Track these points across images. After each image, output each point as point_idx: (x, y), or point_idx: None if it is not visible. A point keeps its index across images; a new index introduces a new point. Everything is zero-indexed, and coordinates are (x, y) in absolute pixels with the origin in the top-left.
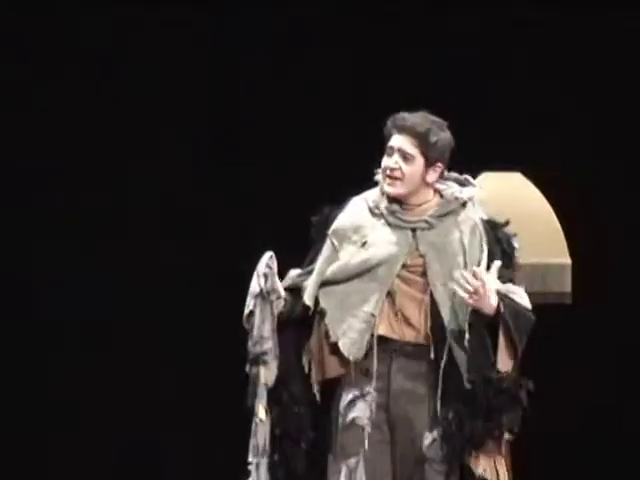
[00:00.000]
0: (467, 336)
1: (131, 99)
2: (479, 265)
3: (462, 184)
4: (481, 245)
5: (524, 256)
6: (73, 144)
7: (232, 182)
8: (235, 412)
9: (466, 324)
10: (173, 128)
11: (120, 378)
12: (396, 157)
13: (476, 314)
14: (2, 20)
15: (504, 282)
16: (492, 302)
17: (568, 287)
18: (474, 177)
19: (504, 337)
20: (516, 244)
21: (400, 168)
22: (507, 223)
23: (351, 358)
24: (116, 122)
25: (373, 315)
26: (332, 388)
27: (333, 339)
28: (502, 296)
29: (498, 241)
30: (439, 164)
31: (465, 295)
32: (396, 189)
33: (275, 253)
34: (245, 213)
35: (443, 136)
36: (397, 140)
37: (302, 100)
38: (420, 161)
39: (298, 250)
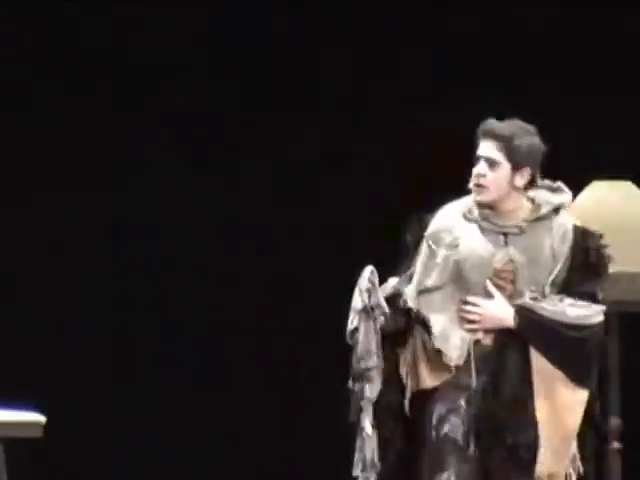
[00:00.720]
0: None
1: (131, 102)
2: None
3: (554, 191)
4: (566, 252)
5: (631, 264)
6: (73, 143)
7: (228, 183)
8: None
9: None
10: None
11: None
12: (482, 164)
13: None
14: (2, 20)
15: (580, 293)
16: (504, 318)
17: None
18: (584, 186)
19: (532, 348)
20: (606, 256)
21: (486, 175)
22: (601, 235)
23: (453, 364)
24: (117, 121)
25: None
26: (419, 401)
27: (437, 345)
28: (526, 310)
29: (586, 251)
30: (527, 168)
31: (465, 324)
32: (484, 196)
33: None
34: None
35: (529, 140)
36: (483, 147)
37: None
38: (506, 166)
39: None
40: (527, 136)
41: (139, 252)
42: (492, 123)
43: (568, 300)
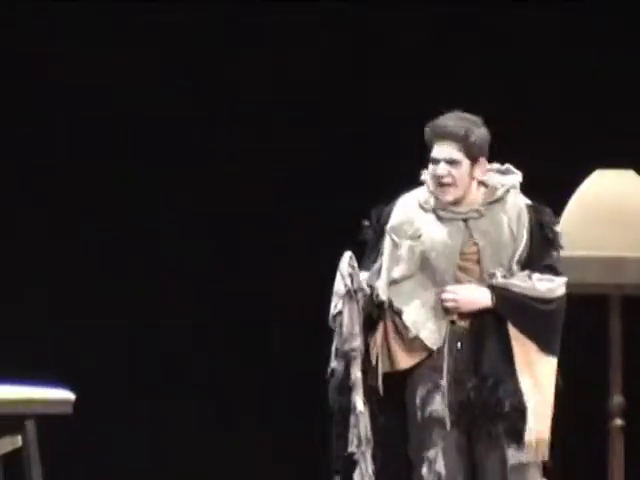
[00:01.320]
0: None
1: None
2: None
3: (504, 173)
4: (523, 230)
5: (633, 250)
6: (74, 142)
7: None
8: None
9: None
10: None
11: None
12: (443, 165)
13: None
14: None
15: (542, 268)
16: (480, 300)
17: None
18: (588, 174)
19: (510, 325)
20: (559, 229)
21: (450, 174)
22: (550, 209)
23: (434, 347)
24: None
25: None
26: (396, 380)
27: (414, 334)
28: (500, 289)
29: (541, 226)
30: (483, 159)
31: (447, 303)
32: (451, 194)
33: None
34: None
35: (480, 133)
36: (441, 150)
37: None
38: (466, 162)
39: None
40: (478, 129)
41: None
42: (444, 124)
43: (535, 275)
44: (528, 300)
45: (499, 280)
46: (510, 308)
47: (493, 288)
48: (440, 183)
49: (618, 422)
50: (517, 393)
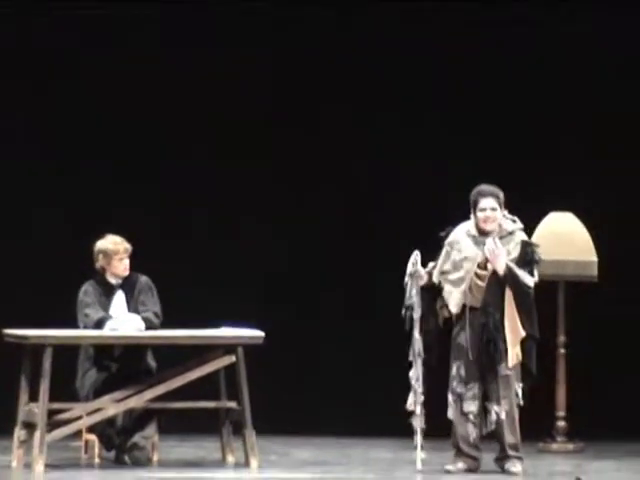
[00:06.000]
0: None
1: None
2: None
3: (513, 221)
4: (515, 251)
5: (575, 255)
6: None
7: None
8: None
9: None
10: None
11: None
12: (490, 211)
13: (496, 273)
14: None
15: (527, 270)
16: (502, 264)
17: (595, 272)
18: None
19: (510, 290)
20: (538, 257)
21: (495, 215)
22: (537, 245)
23: (454, 311)
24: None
25: (464, 291)
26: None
27: (447, 302)
28: (509, 267)
29: (526, 253)
30: (502, 211)
31: (487, 253)
32: (494, 225)
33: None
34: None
35: (502, 195)
36: (487, 201)
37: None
38: (499, 210)
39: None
40: (501, 192)
41: None
42: (487, 188)
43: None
44: (519, 279)
45: (510, 264)
46: (510, 278)
47: (507, 265)
48: (488, 220)
49: (562, 351)
50: (502, 330)
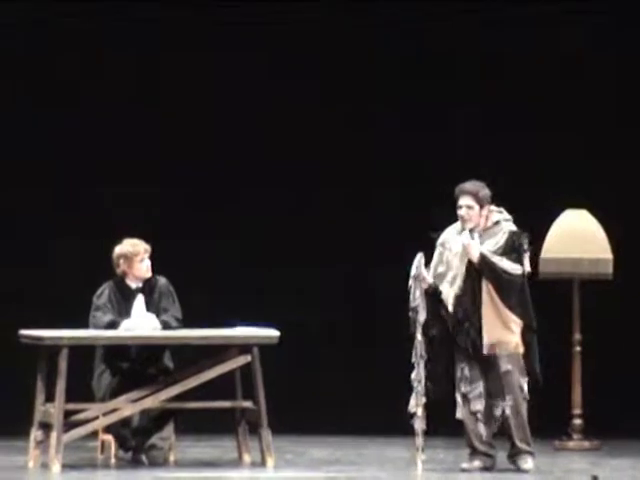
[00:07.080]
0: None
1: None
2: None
3: (500, 212)
4: (502, 240)
5: (590, 253)
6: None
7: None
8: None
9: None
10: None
11: None
12: (465, 209)
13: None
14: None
15: (514, 257)
16: (475, 253)
17: (610, 270)
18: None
19: (487, 279)
20: (525, 244)
21: (468, 214)
22: (525, 234)
23: (448, 306)
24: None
25: (459, 286)
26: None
27: (446, 303)
28: (483, 255)
29: (514, 241)
30: (486, 206)
31: (462, 245)
32: (470, 224)
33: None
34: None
35: (484, 191)
36: (463, 200)
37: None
38: (476, 207)
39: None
40: (483, 189)
41: None
42: (465, 186)
43: (505, 259)
44: (495, 266)
45: (484, 251)
46: (484, 266)
47: (482, 253)
48: (463, 219)
49: (578, 349)
50: (478, 316)
